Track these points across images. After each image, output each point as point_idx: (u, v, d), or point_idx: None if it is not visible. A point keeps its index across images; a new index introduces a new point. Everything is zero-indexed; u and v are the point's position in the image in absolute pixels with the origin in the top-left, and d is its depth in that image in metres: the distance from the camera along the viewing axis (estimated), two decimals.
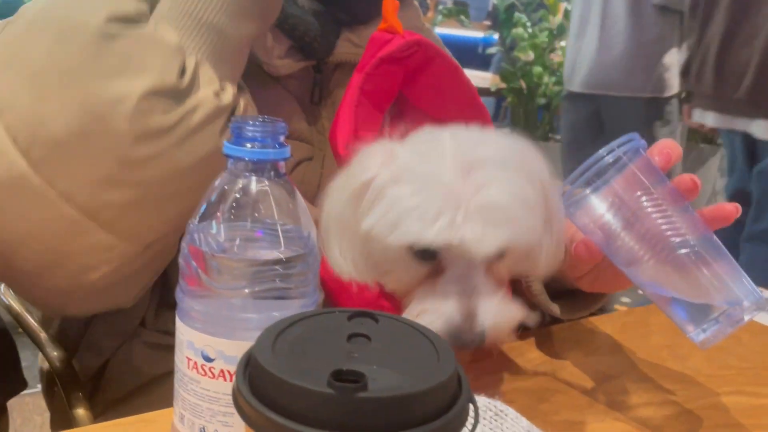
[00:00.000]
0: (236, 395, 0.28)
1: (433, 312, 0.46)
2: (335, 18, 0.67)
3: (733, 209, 0.46)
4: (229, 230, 0.35)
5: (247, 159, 0.34)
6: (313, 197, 0.69)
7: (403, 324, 0.32)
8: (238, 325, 0.34)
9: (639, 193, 0.47)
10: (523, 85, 3.05)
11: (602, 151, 0.47)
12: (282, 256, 0.35)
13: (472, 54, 4.20)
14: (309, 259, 0.36)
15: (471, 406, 0.29)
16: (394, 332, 0.31)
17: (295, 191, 0.36)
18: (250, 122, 0.34)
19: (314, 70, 0.69)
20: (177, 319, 0.36)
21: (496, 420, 0.45)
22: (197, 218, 0.35)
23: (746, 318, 0.46)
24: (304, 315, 0.31)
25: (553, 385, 0.56)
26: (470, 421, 0.28)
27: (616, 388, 0.56)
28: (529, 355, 0.61)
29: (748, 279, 0.46)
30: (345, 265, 0.49)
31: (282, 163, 0.35)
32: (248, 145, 0.34)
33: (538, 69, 3.01)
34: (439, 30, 3.55)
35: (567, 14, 3.21)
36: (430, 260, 0.47)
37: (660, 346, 0.65)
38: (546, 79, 3.01)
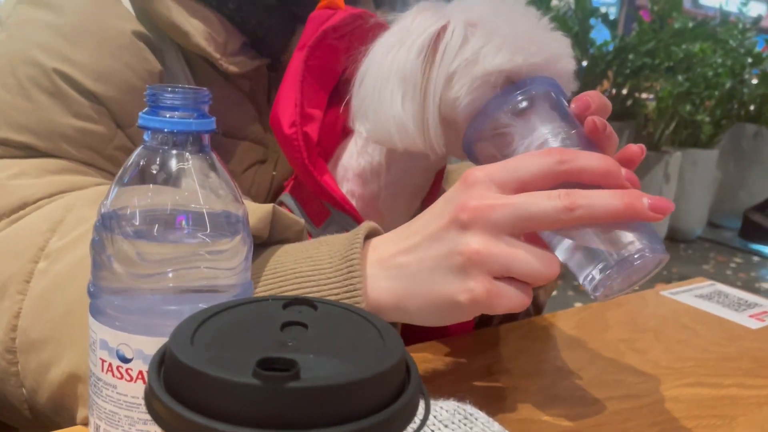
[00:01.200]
0: (149, 396, 0.24)
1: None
2: (289, 13, 0.63)
3: (638, 150, 0.44)
4: (147, 213, 0.31)
5: (165, 130, 0.30)
6: (263, 200, 0.65)
7: (344, 310, 0.28)
8: (158, 320, 0.30)
9: (553, 125, 0.46)
10: None
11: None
12: (208, 239, 0.31)
13: None
14: (240, 244, 0.32)
15: (421, 397, 0.26)
16: (335, 319, 0.28)
17: (223, 168, 0.33)
18: (169, 89, 0.31)
19: (269, 69, 0.64)
20: (90, 316, 0.32)
21: (465, 424, 0.43)
22: (109, 201, 0.31)
23: (637, 262, 0.41)
24: (231, 304, 0.27)
25: (511, 383, 0.53)
26: (420, 413, 0.25)
27: (576, 384, 0.54)
28: (485, 353, 0.58)
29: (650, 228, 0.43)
30: (405, 121, 0.48)
31: (206, 136, 0.32)
32: (167, 115, 0.30)
33: None
34: None
35: None
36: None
37: (617, 340, 0.63)
38: None
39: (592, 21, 3.18)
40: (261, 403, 0.21)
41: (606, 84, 3.42)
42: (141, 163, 0.31)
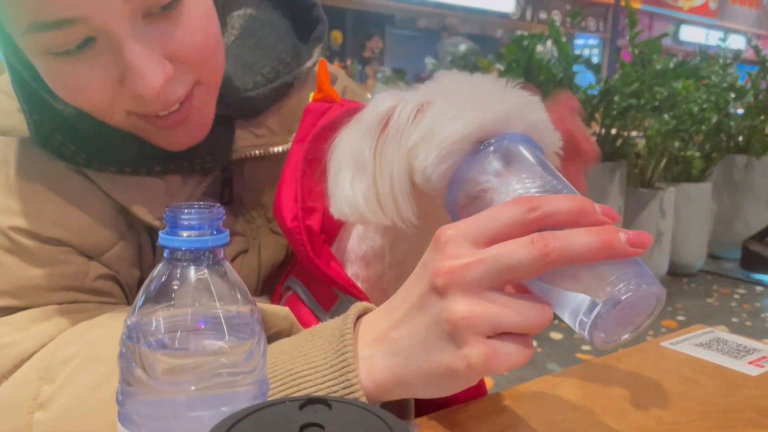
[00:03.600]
0: None
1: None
2: (224, 118, 0.64)
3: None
4: (169, 324, 0.34)
5: (184, 249, 0.33)
6: (255, 290, 0.67)
7: (358, 408, 0.30)
8: (183, 425, 0.32)
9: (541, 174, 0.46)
10: None
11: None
12: (227, 346, 0.33)
13: None
14: (256, 346, 0.34)
15: None
16: (349, 418, 0.30)
17: (236, 275, 0.35)
18: (185, 210, 0.33)
19: (221, 171, 0.66)
20: (119, 424, 0.34)
21: None
22: (134, 314, 0.34)
23: (624, 298, 0.39)
24: (253, 409, 0.30)
25: None
26: None
27: None
28: (496, 419, 0.59)
29: (641, 265, 0.41)
30: (354, 199, 0.50)
31: (221, 249, 0.34)
32: (184, 234, 0.33)
33: None
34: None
35: (500, 74, 3.35)
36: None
37: (621, 398, 0.64)
38: None
39: (576, 67, 3.26)
40: None
41: (594, 126, 3.49)
42: (162, 279, 0.34)
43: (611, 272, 0.40)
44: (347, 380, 0.43)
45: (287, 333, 0.52)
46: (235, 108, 0.64)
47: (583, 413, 0.61)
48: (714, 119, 3.75)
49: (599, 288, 0.40)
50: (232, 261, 0.66)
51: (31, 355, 0.51)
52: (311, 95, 0.64)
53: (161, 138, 0.58)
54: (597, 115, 3.41)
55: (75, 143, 0.57)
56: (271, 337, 0.51)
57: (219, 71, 0.59)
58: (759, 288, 3.81)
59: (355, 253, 0.59)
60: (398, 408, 0.49)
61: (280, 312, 0.51)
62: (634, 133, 3.69)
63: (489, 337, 0.40)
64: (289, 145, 0.64)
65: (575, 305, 0.41)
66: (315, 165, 0.58)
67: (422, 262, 0.43)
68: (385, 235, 0.58)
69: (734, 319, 3.28)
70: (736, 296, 3.67)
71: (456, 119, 0.48)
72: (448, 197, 0.49)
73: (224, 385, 0.33)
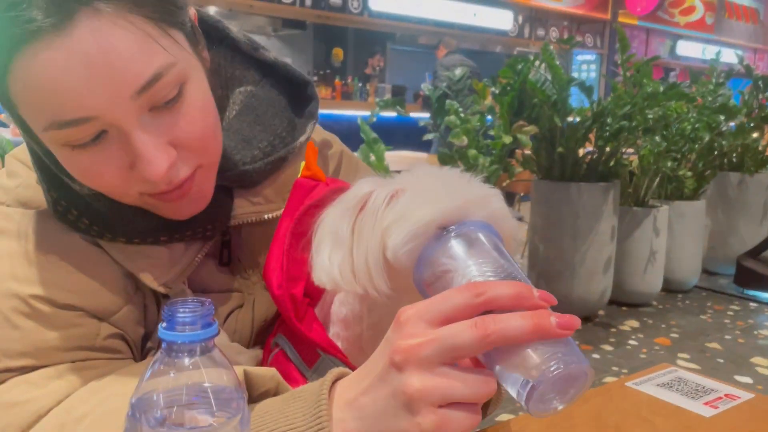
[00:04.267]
0: None
1: None
2: (224, 189, 0.71)
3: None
4: (167, 402, 0.40)
5: (179, 342, 0.40)
6: (249, 341, 0.74)
7: None
8: None
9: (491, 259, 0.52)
10: (461, 166, 3.20)
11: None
12: (215, 423, 0.40)
13: (413, 134, 4.39)
14: (240, 422, 0.41)
15: None
16: None
17: (223, 357, 0.42)
18: (180, 307, 0.40)
19: (220, 235, 0.73)
20: None
21: None
22: (137, 393, 0.40)
23: (552, 375, 0.45)
24: None
25: None
26: None
27: None
28: None
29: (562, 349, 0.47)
30: (331, 269, 0.57)
31: (211, 340, 0.41)
32: (179, 329, 0.40)
33: (473, 152, 3.18)
34: (383, 114, 3.71)
35: (495, 98, 3.42)
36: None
37: None
38: (482, 160, 3.17)
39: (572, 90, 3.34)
40: None
41: (588, 146, 3.56)
42: (160, 366, 0.40)
43: (544, 351, 0.46)
44: None
45: (273, 391, 0.58)
46: (234, 179, 0.71)
47: None
48: (706, 138, 3.83)
49: (532, 366, 0.46)
50: (228, 315, 0.72)
51: (48, 411, 0.57)
52: (302, 165, 0.71)
53: (167, 210, 0.65)
54: (591, 136, 3.48)
55: (89, 218, 0.64)
56: (259, 396, 0.57)
57: (217, 152, 0.66)
58: (753, 304, 3.87)
59: (337, 315, 0.66)
60: None
61: (267, 373, 0.57)
62: (628, 150, 3.76)
63: (441, 406, 0.46)
64: (281, 212, 0.70)
65: (514, 378, 0.47)
66: (300, 238, 0.65)
67: (386, 338, 0.50)
68: (363, 300, 0.64)
69: (727, 336, 3.33)
70: (730, 312, 3.72)
71: (423, 206, 0.55)
72: (416, 274, 0.55)
73: None
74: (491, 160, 3.25)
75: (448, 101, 3.28)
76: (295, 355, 0.66)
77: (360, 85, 7.63)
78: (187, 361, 0.40)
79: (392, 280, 0.57)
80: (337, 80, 7.53)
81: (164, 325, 0.40)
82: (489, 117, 3.46)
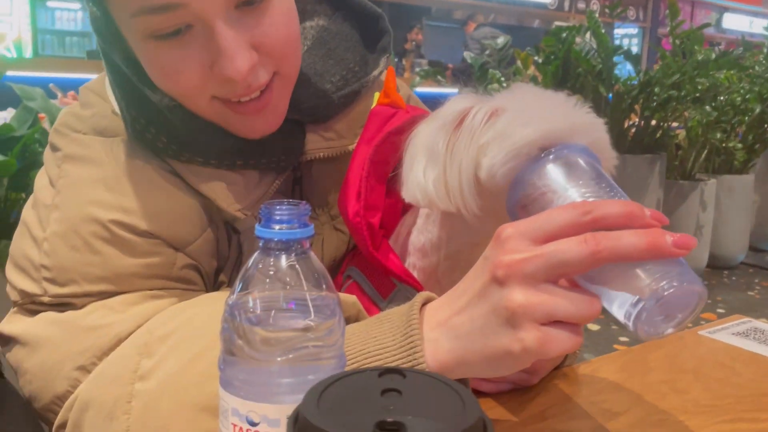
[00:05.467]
0: None
1: None
2: (296, 122, 0.70)
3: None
4: (264, 303, 0.39)
5: (276, 239, 0.38)
6: None
7: (428, 377, 0.35)
8: (278, 390, 0.38)
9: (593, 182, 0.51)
10: None
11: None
12: (312, 323, 0.39)
13: None
14: (337, 324, 0.40)
15: None
16: (422, 385, 0.35)
17: (319, 264, 0.41)
18: (277, 206, 0.39)
19: (291, 171, 0.72)
20: (220, 388, 0.39)
21: None
22: (234, 294, 0.39)
23: (666, 293, 0.43)
24: (341, 375, 0.35)
25: (564, 426, 0.59)
26: None
27: (623, 424, 0.59)
28: (539, 399, 0.64)
29: (682, 265, 0.45)
30: (425, 184, 0.56)
31: (307, 240, 0.40)
32: (276, 227, 0.38)
33: None
34: (418, 89, 3.68)
35: (539, 67, 3.35)
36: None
37: (660, 382, 0.68)
38: None
39: (616, 58, 3.25)
40: None
41: (633, 117, 3.47)
42: (258, 265, 0.39)
43: (656, 270, 0.44)
44: (414, 359, 0.48)
45: (354, 318, 0.57)
46: (307, 113, 0.70)
47: (622, 394, 0.66)
48: (757, 110, 3.69)
49: (644, 284, 0.44)
50: None
51: (128, 334, 0.57)
52: (376, 95, 0.69)
53: (240, 125, 0.64)
54: (636, 107, 3.39)
55: (167, 136, 0.63)
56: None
57: (296, 65, 0.65)
58: None
59: (414, 245, 0.64)
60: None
61: (349, 299, 0.56)
62: (674, 124, 3.66)
63: (543, 324, 0.44)
64: (353, 147, 0.69)
65: (622, 299, 0.45)
66: (379, 167, 0.63)
67: (484, 256, 0.48)
68: (443, 227, 0.62)
69: None
70: None
71: (526, 126, 0.52)
72: (510, 197, 0.53)
73: (310, 356, 0.38)
74: None
75: (490, 70, 3.22)
76: (369, 285, 0.64)
77: (396, 60, 7.57)
78: (284, 262, 0.39)
79: (481, 201, 0.55)
80: None
81: (261, 223, 0.39)
82: None
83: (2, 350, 0.64)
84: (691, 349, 0.78)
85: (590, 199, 0.49)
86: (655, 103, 3.30)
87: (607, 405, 0.63)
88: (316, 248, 0.72)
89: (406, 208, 0.67)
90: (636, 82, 3.33)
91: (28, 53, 5.14)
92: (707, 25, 3.63)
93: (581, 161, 0.52)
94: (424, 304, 0.52)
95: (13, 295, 0.63)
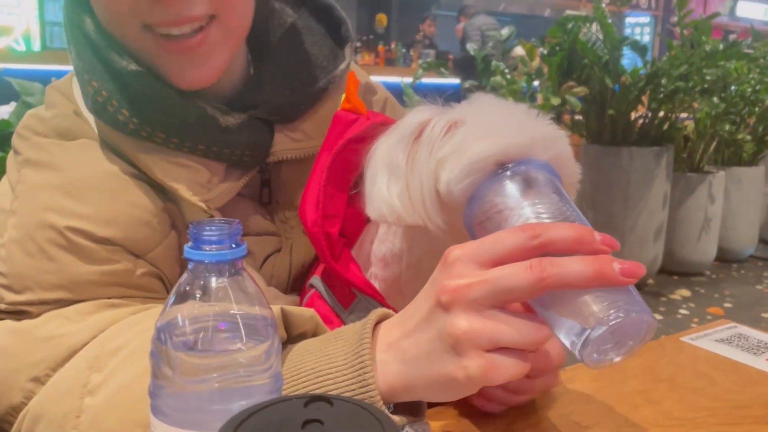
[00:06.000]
0: None
1: None
2: (264, 120, 0.68)
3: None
4: (193, 326, 0.38)
5: (206, 261, 0.37)
6: (285, 287, 0.72)
7: (355, 406, 0.34)
8: (206, 417, 0.37)
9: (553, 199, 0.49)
10: None
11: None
12: (244, 347, 0.37)
13: (456, 100, 4.31)
14: (270, 347, 0.39)
15: None
16: (347, 415, 0.34)
17: (252, 284, 0.39)
18: (207, 226, 0.38)
19: (259, 173, 0.70)
20: (151, 415, 0.39)
21: None
22: (163, 316, 0.38)
23: (612, 324, 0.42)
24: (263, 405, 0.34)
25: None
26: None
27: None
28: (505, 412, 0.62)
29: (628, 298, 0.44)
30: (390, 199, 0.55)
31: (240, 261, 0.38)
32: (206, 248, 0.37)
33: None
34: (423, 80, 3.64)
35: (544, 58, 3.31)
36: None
37: (634, 392, 0.67)
38: None
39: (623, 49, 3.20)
40: None
41: (641, 109, 3.42)
42: (187, 288, 0.38)
43: (603, 299, 0.43)
44: (364, 380, 0.47)
45: (312, 332, 0.56)
46: (274, 112, 0.68)
47: (594, 406, 0.64)
48: (767, 101, 3.64)
49: (590, 313, 0.43)
50: (264, 261, 0.70)
51: (83, 345, 0.56)
52: (342, 97, 0.68)
53: (170, 66, 0.62)
54: (643, 98, 3.35)
55: (129, 108, 0.61)
56: (297, 337, 0.55)
57: (241, 17, 0.63)
58: None
59: (375, 254, 0.63)
60: (412, 406, 0.52)
61: (306, 313, 0.55)
62: (683, 115, 3.61)
63: (488, 351, 0.43)
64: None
65: (569, 326, 0.44)
66: (339, 175, 0.62)
67: (432, 279, 0.47)
68: (403, 238, 0.61)
69: None
70: None
71: (483, 140, 0.51)
72: (467, 213, 0.52)
73: (242, 381, 0.37)
74: None
75: (494, 62, 3.19)
76: (331, 296, 0.63)
77: (404, 51, 7.52)
78: (214, 282, 0.38)
79: (444, 214, 0.54)
80: (380, 46, 7.43)
81: (190, 244, 0.38)
82: (536, 83, 3.35)
83: None
84: (670, 356, 0.76)
85: (546, 219, 0.48)
86: (662, 95, 3.26)
87: (577, 417, 0.62)
88: (284, 253, 0.71)
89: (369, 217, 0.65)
90: (643, 73, 3.29)
91: (36, 46, 5.15)
92: (716, 15, 3.57)
93: (540, 178, 0.50)
94: (379, 321, 0.51)
95: None
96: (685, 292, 3.43)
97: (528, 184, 0.50)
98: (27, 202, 0.62)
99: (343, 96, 0.67)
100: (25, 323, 0.59)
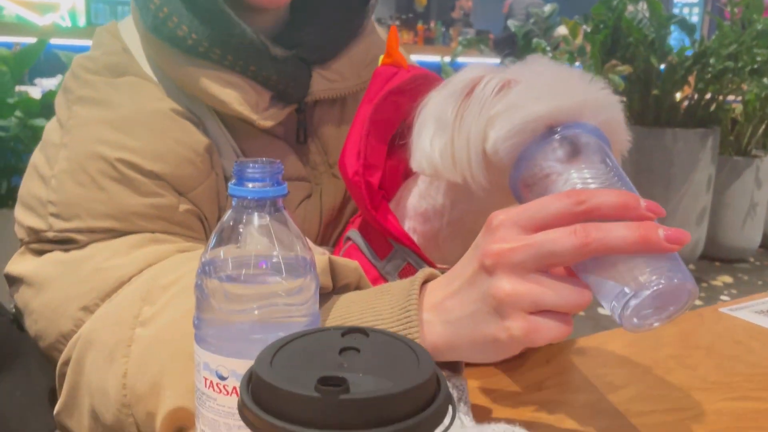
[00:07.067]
0: (240, 405, 0.31)
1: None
2: (303, 60, 0.71)
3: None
4: (237, 262, 0.39)
5: (249, 198, 0.39)
6: (316, 235, 0.73)
7: (390, 338, 0.35)
8: (247, 346, 0.38)
9: (600, 165, 0.49)
10: None
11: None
12: (283, 281, 0.39)
13: None
14: (308, 284, 0.40)
15: (450, 405, 0.32)
16: (382, 344, 0.35)
17: (292, 223, 0.41)
18: (251, 164, 0.39)
19: (296, 112, 0.73)
20: (195, 343, 0.40)
21: None
22: (208, 252, 0.40)
23: (654, 289, 0.42)
24: (302, 333, 0.35)
25: (561, 398, 0.58)
26: (449, 417, 0.31)
27: (623, 398, 0.58)
28: (539, 369, 0.63)
29: (674, 264, 0.44)
30: (432, 154, 0.56)
31: (280, 199, 0.40)
32: (249, 185, 0.39)
33: None
34: (461, 59, 3.61)
35: (587, 36, 3.24)
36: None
37: (668, 357, 0.66)
38: None
39: (670, 27, 3.12)
40: (320, 410, 0.28)
41: (687, 90, 3.34)
42: (231, 223, 0.39)
43: (647, 265, 0.43)
44: (409, 334, 0.48)
45: (355, 285, 0.57)
46: (312, 51, 0.70)
47: (627, 369, 0.64)
48: None
49: (632, 278, 0.43)
50: (297, 207, 0.72)
51: (130, 278, 0.58)
52: (381, 58, 0.68)
53: None
54: (690, 79, 3.26)
55: (189, 24, 0.64)
56: (341, 289, 0.56)
57: None
58: None
59: (415, 209, 0.63)
60: (450, 363, 0.54)
61: (351, 264, 0.56)
62: (730, 98, 3.51)
63: (531, 313, 0.44)
64: (356, 89, 0.70)
65: (611, 290, 0.44)
66: (380, 127, 0.63)
67: (475, 244, 0.48)
68: (447, 194, 0.62)
69: None
70: None
71: (535, 101, 0.51)
72: (513, 175, 0.52)
73: (280, 314, 0.39)
74: None
75: (535, 39, 3.14)
76: (367, 246, 0.64)
77: (443, 29, 7.44)
78: (257, 220, 0.39)
79: (488, 174, 0.54)
80: (419, 25, 7.37)
81: (234, 181, 0.39)
82: (579, 64, 3.29)
83: (10, 290, 0.66)
84: (708, 325, 0.75)
85: (592, 185, 0.48)
86: (709, 75, 3.17)
87: (609, 378, 0.62)
88: (315, 199, 0.73)
89: (408, 171, 0.66)
90: (690, 53, 3.20)
91: (81, 22, 5.27)
92: None
93: (589, 143, 0.50)
94: (426, 281, 0.51)
95: (21, 234, 0.65)
96: (727, 279, 3.36)
97: (576, 149, 0.50)
98: (78, 136, 0.64)
99: (381, 57, 0.67)
100: (73, 254, 0.61)
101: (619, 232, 0.42)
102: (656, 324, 0.46)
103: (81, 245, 0.61)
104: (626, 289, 0.43)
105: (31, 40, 2.45)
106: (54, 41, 2.88)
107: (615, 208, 0.43)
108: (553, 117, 0.51)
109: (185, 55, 0.65)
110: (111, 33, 0.71)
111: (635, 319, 0.45)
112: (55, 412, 0.60)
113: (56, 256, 0.62)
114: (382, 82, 0.64)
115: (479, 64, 0.59)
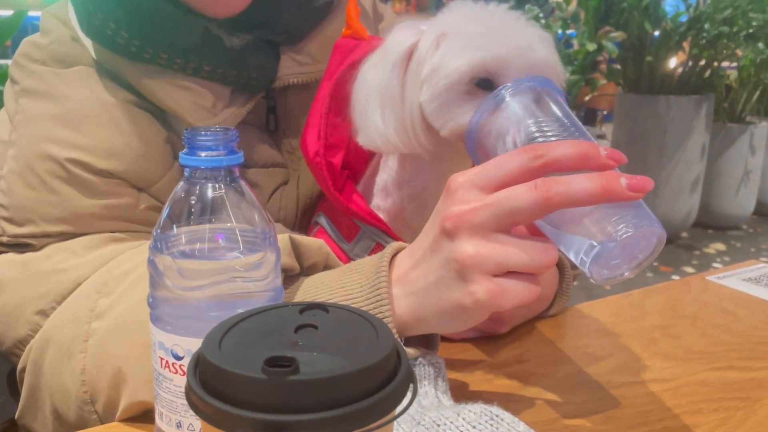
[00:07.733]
0: (187, 389, 0.30)
1: None
2: (269, 42, 0.65)
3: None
4: (190, 236, 0.37)
5: (202, 167, 0.36)
6: (293, 222, 0.70)
7: (350, 313, 0.33)
8: (202, 324, 0.36)
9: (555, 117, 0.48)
10: None
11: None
12: (240, 255, 0.37)
13: None
14: (268, 256, 0.38)
15: (411, 383, 0.30)
16: (342, 321, 0.33)
17: (251, 193, 0.38)
18: (202, 131, 0.36)
19: (265, 99, 0.68)
20: (150, 322, 0.38)
21: (492, 425, 0.45)
22: (159, 226, 0.38)
23: (621, 238, 0.41)
24: (257, 310, 0.33)
25: (540, 370, 0.57)
26: (408, 397, 0.30)
27: (604, 369, 0.57)
28: (518, 342, 0.62)
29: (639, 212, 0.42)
30: (386, 130, 0.54)
31: (236, 168, 0.37)
32: (202, 154, 0.36)
33: None
34: None
35: (581, 2, 3.19)
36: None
37: (653, 327, 0.65)
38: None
39: None
40: (267, 393, 0.26)
41: (681, 56, 3.29)
42: (183, 194, 0.37)
43: (611, 214, 0.42)
44: (380, 312, 0.46)
45: (323, 264, 0.55)
46: (280, 32, 0.65)
47: (609, 339, 0.63)
48: None
49: (599, 230, 0.41)
50: (272, 194, 0.68)
51: (87, 279, 0.55)
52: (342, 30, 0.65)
53: None
54: (684, 45, 3.22)
55: (128, 29, 0.57)
56: (307, 269, 0.54)
57: None
58: None
59: (376, 184, 0.61)
60: (425, 340, 0.52)
61: (315, 244, 0.54)
62: (725, 64, 3.47)
63: (496, 275, 0.42)
64: None
65: (578, 244, 0.42)
66: (341, 103, 0.60)
67: (436, 209, 0.46)
68: (402, 164, 0.60)
69: None
70: None
71: (457, 56, 0.49)
72: (468, 139, 0.50)
73: (239, 290, 0.37)
74: (572, 69, 3.07)
75: (527, 5, 3.08)
76: (334, 229, 0.62)
77: None
78: (210, 192, 0.37)
79: (434, 138, 0.53)
80: None
81: (185, 150, 0.37)
82: (573, 31, 3.24)
83: None
84: (695, 294, 0.74)
85: (551, 137, 0.46)
86: (704, 41, 3.12)
87: (591, 349, 0.60)
88: (292, 185, 0.70)
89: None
90: (685, 18, 3.15)
91: None
92: None
93: (536, 94, 0.49)
94: (395, 255, 0.49)
95: None
96: (720, 246, 3.36)
97: (524, 102, 0.48)
98: (26, 133, 0.60)
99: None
100: (29, 256, 0.58)
101: (580, 183, 0.40)
102: (627, 273, 0.45)
103: (36, 248, 0.59)
104: (593, 242, 0.42)
105: (8, 12, 2.39)
106: (34, 13, 2.81)
107: (574, 160, 0.42)
108: (477, 70, 0.50)
109: (131, 61, 0.60)
110: (59, 18, 0.64)
111: (605, 270, 0.44)
112: (16, 416, 0.58)
113: (11, 257, 0.59)
114: (342, 56, 0.61)
115: (407, 24, 0.56)
